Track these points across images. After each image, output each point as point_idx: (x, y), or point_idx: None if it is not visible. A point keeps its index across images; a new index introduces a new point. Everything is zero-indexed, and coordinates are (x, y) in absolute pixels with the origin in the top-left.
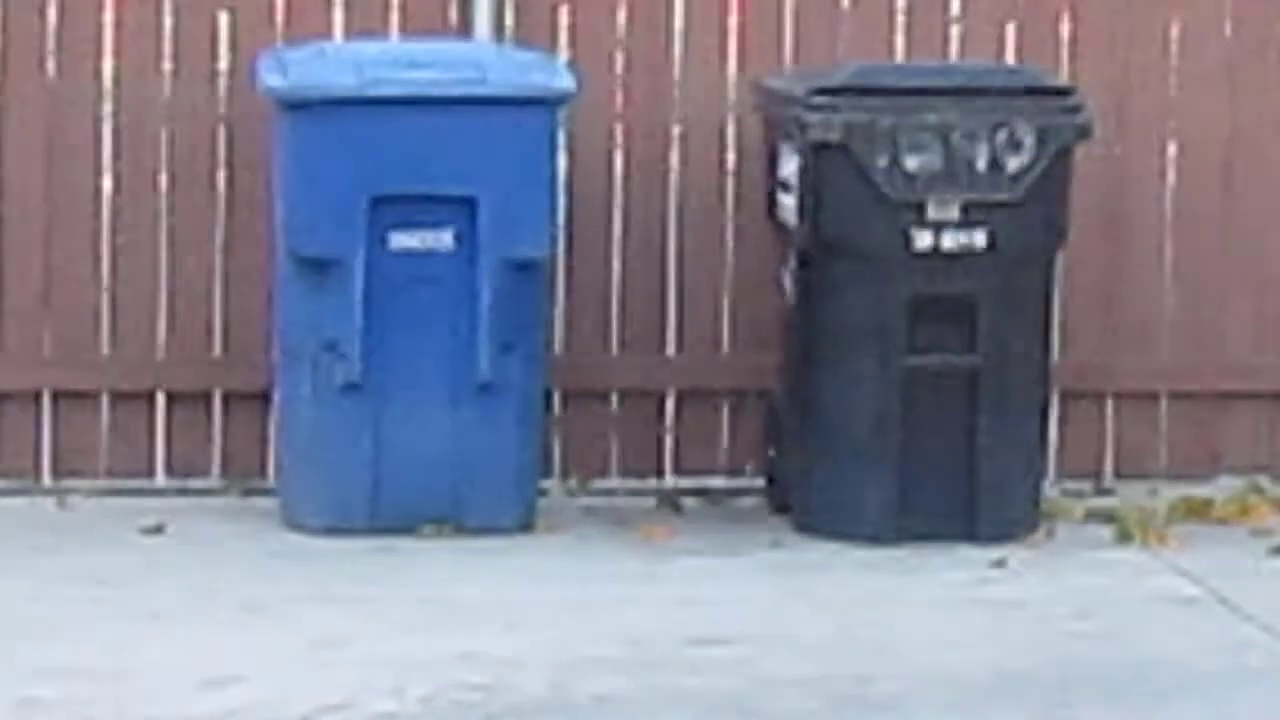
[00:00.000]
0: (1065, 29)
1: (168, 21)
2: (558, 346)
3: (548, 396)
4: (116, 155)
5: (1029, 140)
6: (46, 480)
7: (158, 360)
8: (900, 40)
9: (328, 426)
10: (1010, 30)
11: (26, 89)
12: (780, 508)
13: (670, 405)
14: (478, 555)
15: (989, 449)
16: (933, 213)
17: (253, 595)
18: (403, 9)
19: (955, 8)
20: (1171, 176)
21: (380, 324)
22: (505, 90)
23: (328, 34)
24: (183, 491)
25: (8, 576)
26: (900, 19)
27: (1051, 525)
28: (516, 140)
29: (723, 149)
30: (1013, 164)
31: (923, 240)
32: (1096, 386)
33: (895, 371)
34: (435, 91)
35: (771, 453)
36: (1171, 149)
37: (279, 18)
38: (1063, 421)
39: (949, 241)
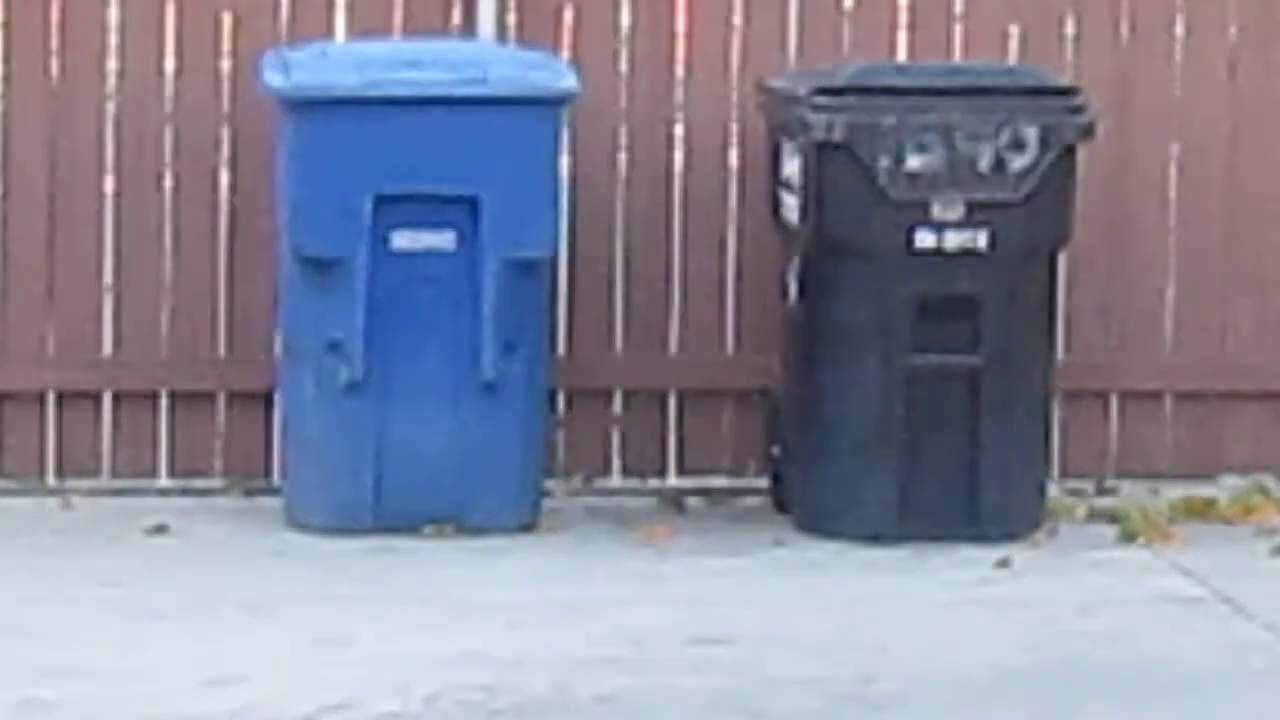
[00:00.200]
0: (1068, 29)
1: (171, 22)
2: (560, 346)
3: (550, 396)
4: (119, 155)
5: (1032, 140)
6: (50, 480)
7: (161, 360)
8: (903, 40)
9: (331, 426)
10: (1013, 30)
11: (30, 89)
12: (783, 507)
13: (673, 405)
14: (480, 555)
15: (991, 448)
16: (936, 212)
17: (255, 595)
18: (406, 9)
19: (958, 7)
20: (1174, 175)
21: (383, 324)
22: (508, 90)
23: (330, 34)
24: (186, 491)
25: (11, 576)
26: (903, 19)
27: (1054, 525)
28: (519, 140)
29: (726, 149)
30: (1016, 164)
31: (925, 240)
32: (1099, 386)
33: (898, 371)
34: (438, 91)
35: (774, 452)
36: (1174, 148)
37: (282, 18)
38: (1065, 421)
39: (952, 241)
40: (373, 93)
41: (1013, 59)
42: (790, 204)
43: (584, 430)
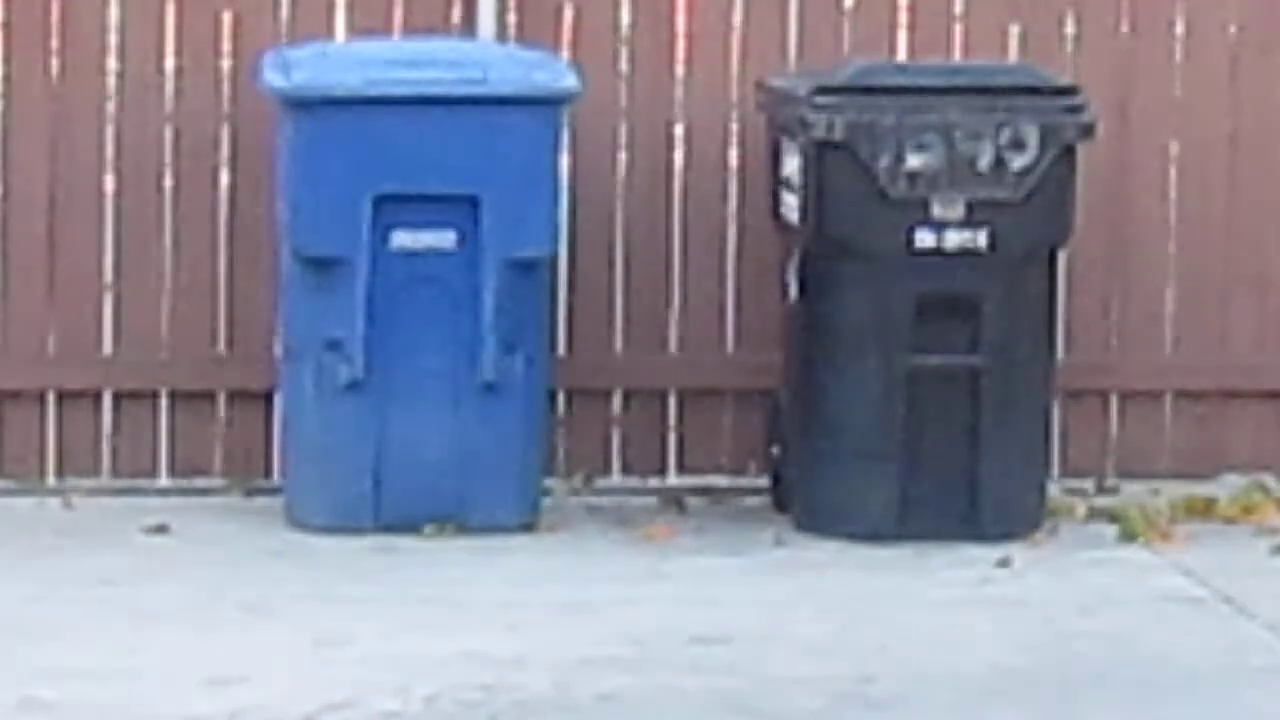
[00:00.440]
0: (1069, 28)
1: (171, 21)
2: (561, 346)
3: (551, 395)
4: (120, 155)
5: (1032, 139)
6: (50, 480)
7: (161, 360)
8: (903, 39)
9: (331, 426)
10: (1013, 29)
11: (31, 89)
12: (783, 507)
13: (673, 404)
14: (481, 554)
15: (992, 448)
16: (936, 212)
17: (256, 595)
18: (406, 8)
19: (958, 7)
20: (1175, 175)
21: (383, 323)
22: (508, 90)
23: (331, 33)
24: (186, 491)
25: (11, 576)
26: (903, 18)
27: (1054, 524)
28: (520, 140)
29: (726, 148)
30: (1016, 163)
31: (926, 239)
32: (1100, 385)
33: (898, 370)
34: (438, 91)
35: (774, 452)
36: (1175, 148)
37: (282, 17)
38: (1066, 420)
39: (952, 240)
40: (373, 92)
41: (1013, 58)
42: (790, 203)
43: (584, 430)
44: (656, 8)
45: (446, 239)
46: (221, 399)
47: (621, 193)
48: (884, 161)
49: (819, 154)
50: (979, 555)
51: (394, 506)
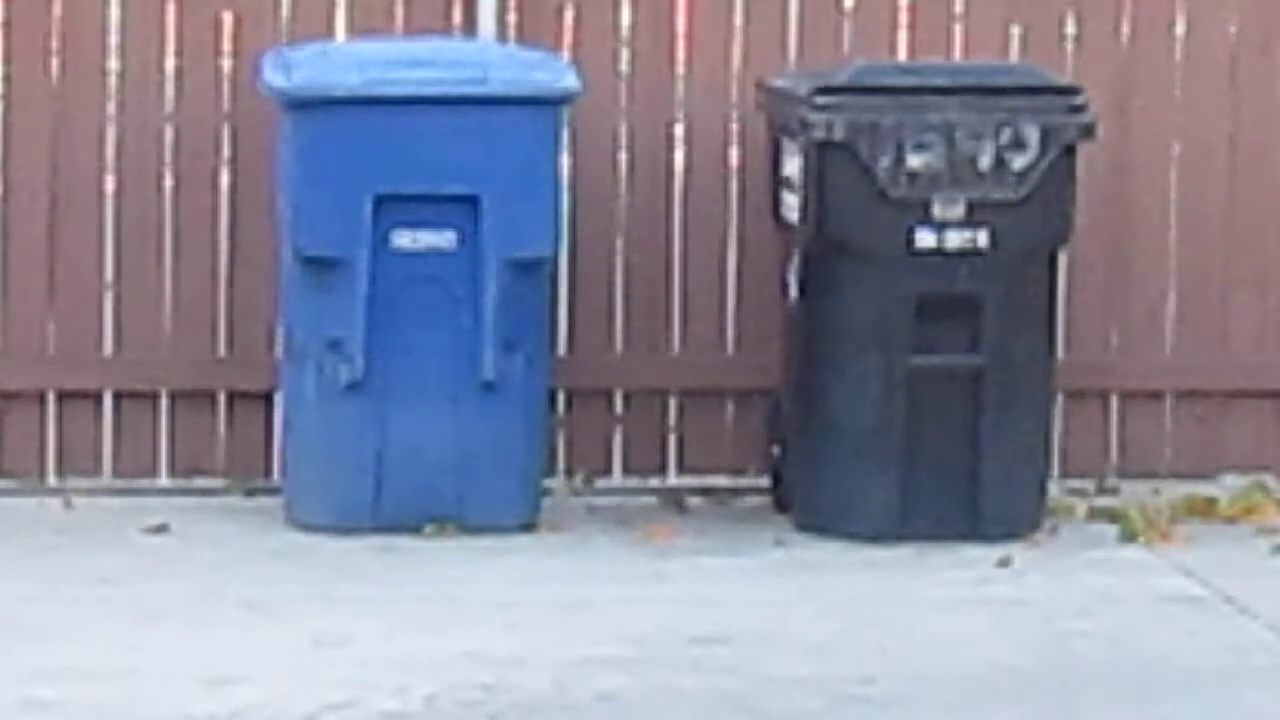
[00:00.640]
0: (1069, 28)
1: (171, 21)
2: (561, 345)
3: (551, 395)
4: (120, 155)
5: (1033, 139)
6: (50, 480)
7: (161, 360)
8: (904, 39)
9: (331, 426)
10: (1014, 29)
11: (31, 89)
12: (784, 507)
13: (674, 404)
14: (481, 554)
15: (992, 448)
16: (936, 212)
17: (256, 595)
18: (406, 8)
19: (959, 7)
20: (1175, 175)
21: (384, 323)
22: (509, 90)
23: (331, 33)
24: (186, 491)
25: (11, 576)
26: (904, 18)
27: (1055, 524)
28: (520, 140)
29: (726, 148)
30: (1016, 163)
31: (926, 239)
32: (1100, 385)
33: (899, 370)
34: (439, 91)
35: (775, 452)
36: (1175, 148)
37: (282, 17)
38: (1066, 420)
39: (953, 240)
40: (373, 92)
41: (1013, 58)
42: (791, 203)
43: (584, 430)
44: (657, 8)
45: (447, 239)
46: (222, 399)
47: (622, 193)
48: (884, 161)
49: (819, 154)
50: (979, 555)
51: (394, 506)
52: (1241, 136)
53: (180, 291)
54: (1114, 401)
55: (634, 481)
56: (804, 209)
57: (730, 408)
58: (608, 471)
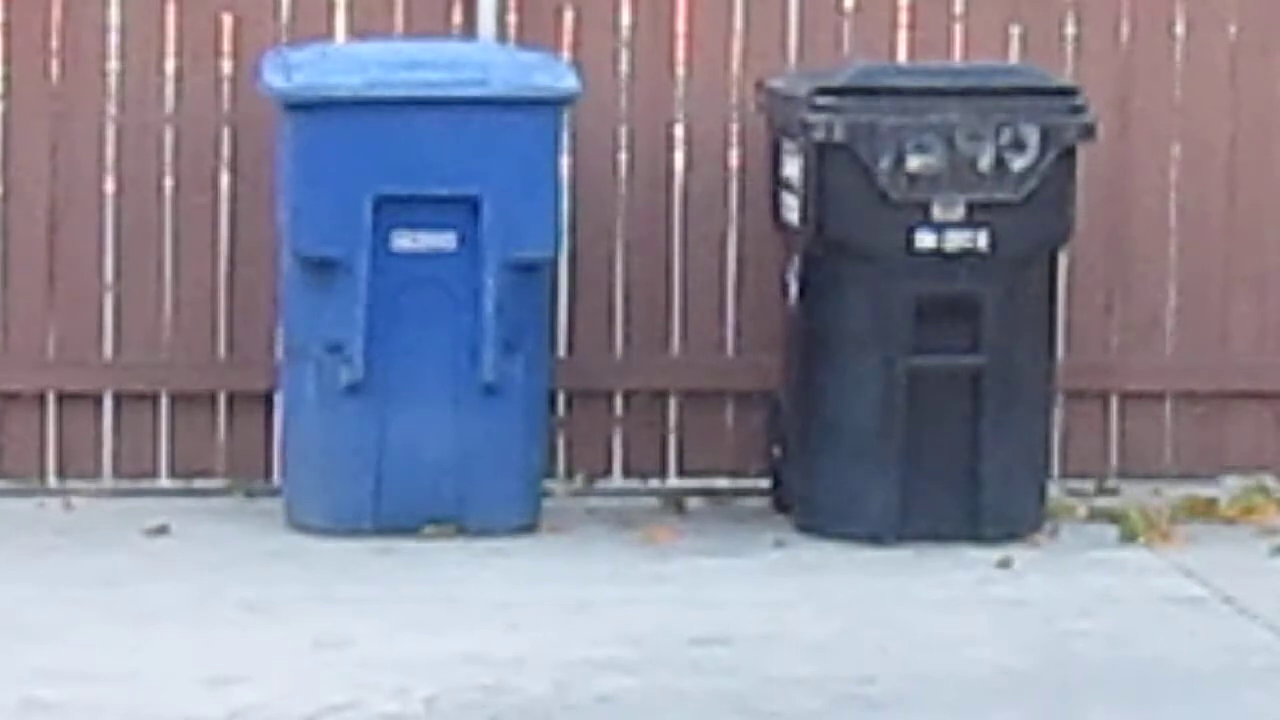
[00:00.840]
0: (1069, 29)
1: (171, 22)
2: (561, 347)
3: (551, 397)
4: (120, 156)
5: (1032, 140)
6: (51, 481)
7: (162, 361)
8: (904, 40)
9: (331, 427)
10: (1014, 30)
11: (31, 90)
12: (784, 508)
13: (674, 405)
14: (481, 556)
15: (993, 449)
16: (936, 213)
17: (256, 596)
18: (406, 9)
19: (959, 8)
20: (1175, 176)
21: (384, 325)
22: (508, 91)
23: (331, 34)
24: (187, 492)
25: (11, 577)
26: (904, 19)
27: (1055, 525)
28: (520, 141)
29: (726, 149)
30: (1016, 164)
31: (926, 240)
32: (1100, 386)
33: (899, 372)
34: (438, 92)
35: (775, 453)
36: (1175, 149)
37: (283, 18)
38: (1066, 421)
39: (952, 242)
40: (373, 93)
41: (1013, 59)
42: (791, 204)
43: (585, 431)
44: (657, 9)
45: (447, 240)
46: (222, 400)
47: (622, 194)
48: (884, 162)
49: (819, 155)
50: (979, 556)
51: (394, 508)
52: (1241, 137)
53: (180, 293)
54: (1114, 402)
55: (634, 483)
56: (804, 210)
57: (730, 409)
58: (608, 473)
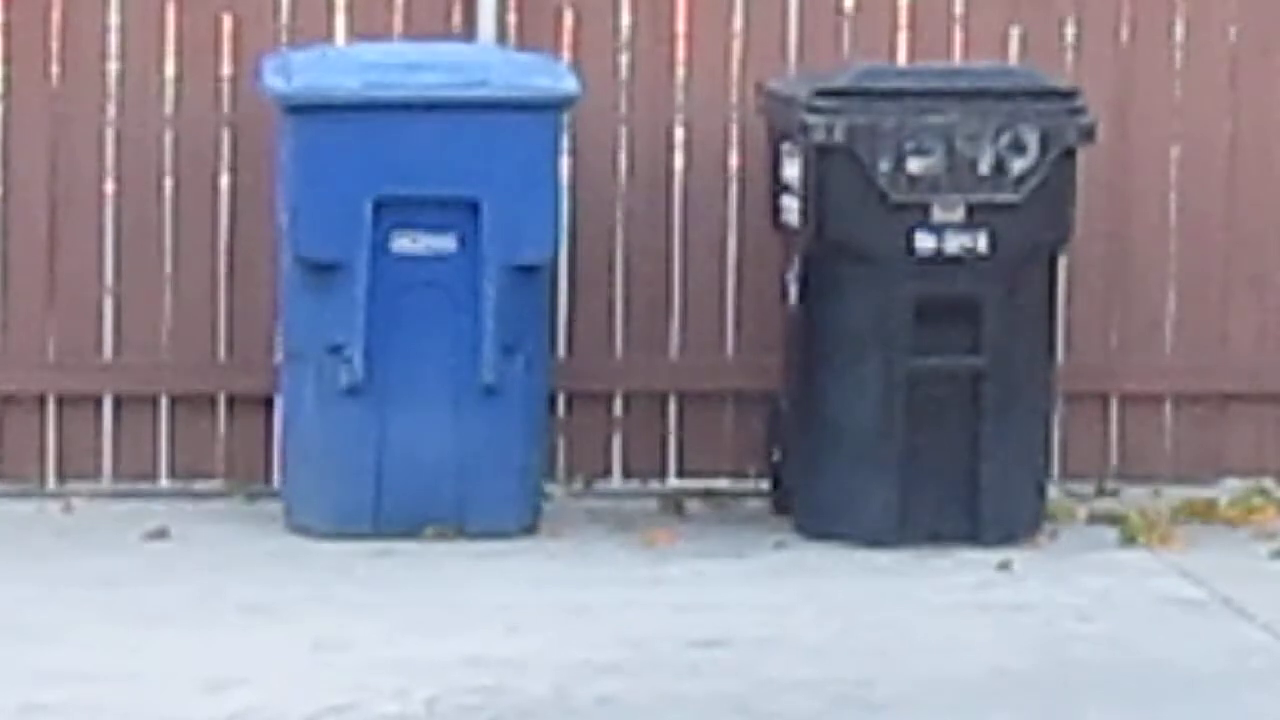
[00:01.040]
0: (1069, 31)
1: (171, 24)
2: (561, 349)
3: (551, 399)
4: (120, 158)
5: (1032, 142)
6: (50, 484)
7: (161, 363)
8: (903, 42)
9: (331, 429)
10: (1014, 32)
11: (30, 92)
12: (784, 510)
13: (673, 408)
14: (481, 558)
15: (992, 451)
16: (936, 215)
17: (256, 598)
18: (406, 11)
19: (959, 9)
20: (1175, 178)
21: (384, 327)
22: (508, 93)
23: (331, 37)
24: (186, 494)
25: (11, 580)
26: (903, 20)
27: (1055, 527)
28: (520, 143)
29: (726, 152)
30: (1016, 166)
31: (926, 242)
32: (1100, 388)
33: (899, 373)
34: (438, 94)
35: (775, 455)
36: (1175, 151)
37: (282, 20)
38: (1066, 423)
39: (952, 244)
40: (373, 96)
41: (1013, 61)
42: (790, 206)
43: (584, 433)
44: (656, 11)
45: (447, 243)
46: (221, 403)
47: (622, 196)
48: (884, 164)
49: (819, 157)
50: (979, 559)
51: (394, 510)
52: (1241, 139)
53: (180, 295)
54: (1114, 404)
55: (634, 484)
56: (804, 212)
57: (730, 411)
58: (608, 475)
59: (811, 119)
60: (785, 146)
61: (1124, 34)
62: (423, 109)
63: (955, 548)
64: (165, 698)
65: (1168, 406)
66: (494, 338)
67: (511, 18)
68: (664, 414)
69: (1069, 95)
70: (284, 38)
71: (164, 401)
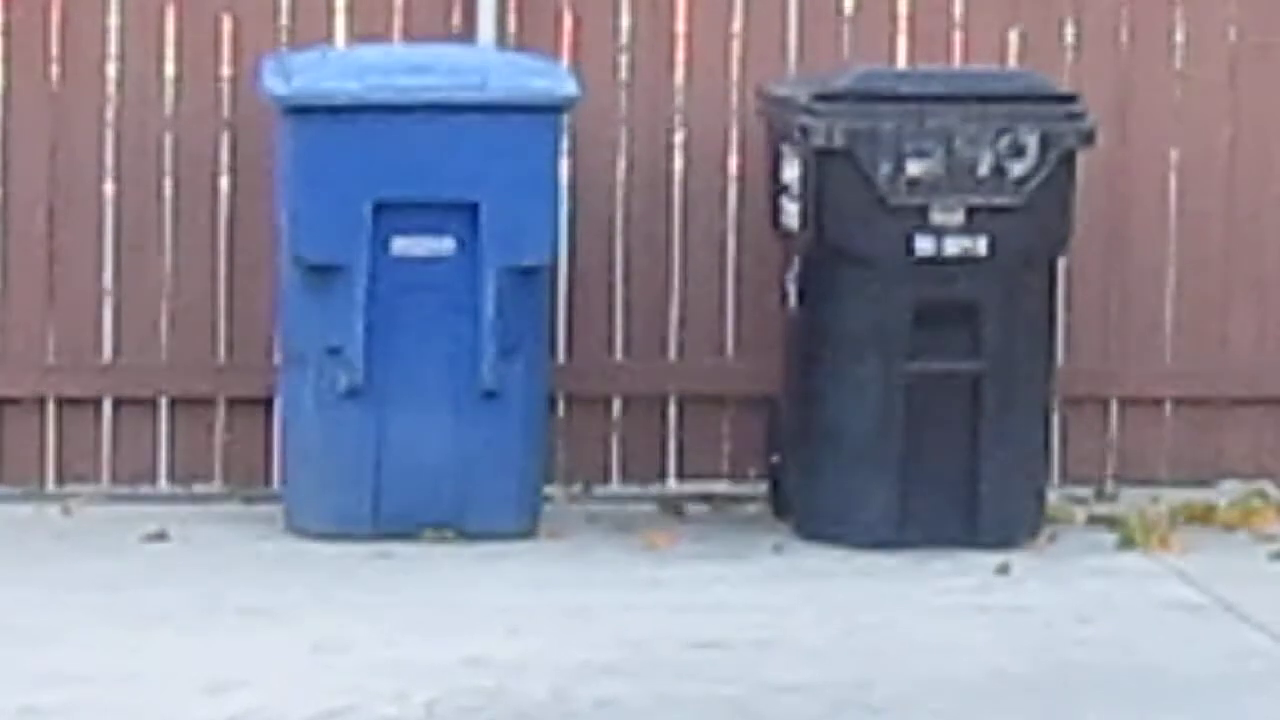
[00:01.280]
0: (1068, 34)
1: (170, 26)
2: (560, 352)
3: (550, 402)
4: (119, 160)
5: (1032, 146)
6: (50, 486)
7: (161, 366)
8: (903, 45)
9: (330, 432)
10: (1013, 35)
11: (30, 94)
12: (783, 513)
13: (673, 410)
14: (480, 561)
15: (991, 454)
16: (935, 218)
17: (255, 600)
18: (406, 14)
19: (958, 13)
20: (1174, 181)
21: (383, 329)
22: (508, 96)
23: (331, 38)
24: (185, 497)
25: (10, 582)
26: (903, 24)
27: (1054, 531)
28: (519, 145)
29: (726, 155)
30: (1015, 169)
31: (925, 246)
32: (1099, 392)
33: (898, 377)
34: (438, 97)
35: (774, 458)
36: (1174, 154)
37: (282, 22)
38: (1065, 427)
39: (951, 247)
40: (373, 98)
41: (1013, 65)
42: (790, 210)
43: (584, 436)
44: (656, 14)
45: (446, 245)
46: (221, 405)
47: (621, 199)
48: (884, 168)
49: (819, 161)
50: (978, 562)
51: (393, 513)
52: (1240, 143)
53: (179, 297)
54: (1113, 408)
55: (633, 488)
56: (803, 215)
57: (729, 414)
58: (607, 478)
59: (811, 122)
60: (785, 149)
61: (1124, 37)
62: (422, 111)
63: (954, 551)
64: (164, 699)
65: (1167, 410)
66: (493, 340)
67: (511, 20)
68: (663, 416)
69: (1068, 99)
70: (284, 39)
71: (163, 404)
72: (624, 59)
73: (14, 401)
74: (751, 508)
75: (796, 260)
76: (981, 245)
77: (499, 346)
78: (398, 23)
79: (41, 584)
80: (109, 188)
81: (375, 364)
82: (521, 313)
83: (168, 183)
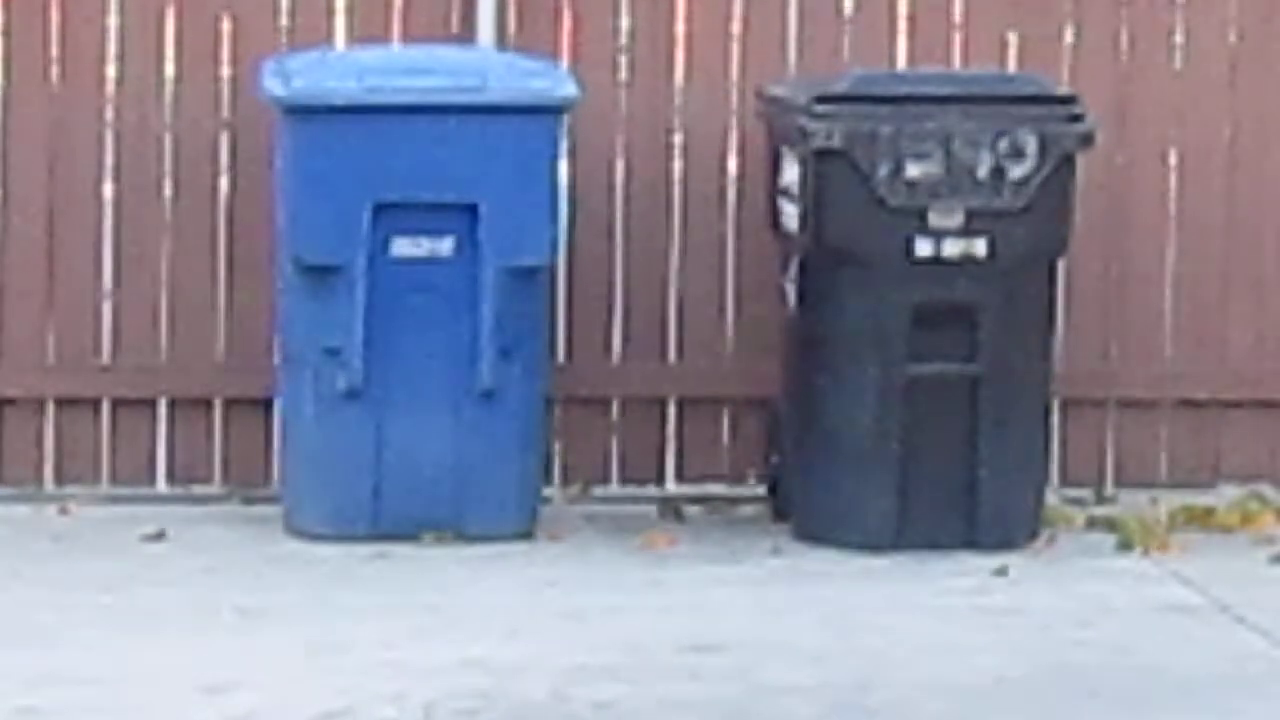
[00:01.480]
0: (1068, 36)
1: (170, 28)
2: (559, 353)
3: (549, 403)
4: (119, 161)
5: (1031, 148)
6: (48, 487)
7: (160, 367)
8: (902, 47)
9: (329, 433)
10: (1012, 38)
11: (30, 95)
12: (781, 515)
13: (671, 412)
14: (479, 562)
15: (990, 457)
16: (934, 220)
17: (254, 602)
18: (405, 15)
19: (958, 15)
20: (1173, 184)
21: (382, 331)
22: (507, 97)
23: (330, 40)
24: (184, 498)
25: (9, 583)
26: (903, 26)
27: (1052, 533)
28: (518, 147)
29: (725, 156)
30: (1014, 172)
31: (924, 248)
32: (1098, 394)
33: (896, 379)
34: (437, 98)
35: (773, 460)
36: (1174, 157)
37: (282, 24)
38: (1064, 429)
39: (950, 249)
40: (372, 99)
41: (1012, 67)
42: (789, 212)
43: (582, 438)
44: (656, 15)
45: (445, 247)
46: (220, 406)
47: (620, 200)
48: (883, 170)
49: (818, 162)
50: (977, 564)
51: (392, 514)
52: (1240, 145)
53: (178, 298)
54: (1112, 410)
55: (632, 489)
56: (802, 217)
57: (728, 416)
58: (605, 480)
59: (810, 124)
60: (784, 150)
61: (1123, 39)
62: (422, 112)
63: (953, 553)
64: (163, 700)
65: (1166, 412)
66: (492, 341)
67: (511, 21)
68: (662, 418)
69: (1068, 101)
70: (284, 40)
71: (162, 404)
72: (624, 60)
73: (13, 402)
74: (750, 509)
75: (795, 262)
76: (980, 247)
77: (498, 347)
78: (397, 24)
79: (40, 584)
80: (108, 188)
81: (374, 365)
82: (520, 314)
83: (167, 183)
